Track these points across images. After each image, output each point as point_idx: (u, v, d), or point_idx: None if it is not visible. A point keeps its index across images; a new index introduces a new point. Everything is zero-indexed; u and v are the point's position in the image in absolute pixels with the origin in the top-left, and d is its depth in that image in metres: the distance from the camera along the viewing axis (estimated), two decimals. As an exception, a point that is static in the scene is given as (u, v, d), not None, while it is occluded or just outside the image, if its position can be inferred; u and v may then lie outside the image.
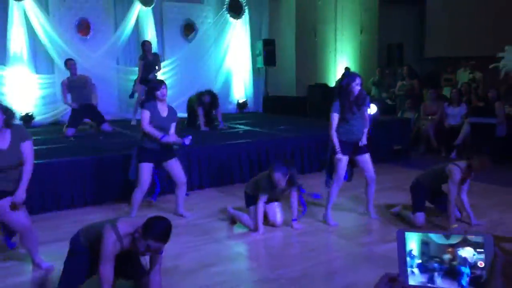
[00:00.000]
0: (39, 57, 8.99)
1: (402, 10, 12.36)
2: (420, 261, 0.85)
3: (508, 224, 4.70)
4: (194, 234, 4.47)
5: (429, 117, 8.55)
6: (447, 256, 0.84)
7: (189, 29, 10.19)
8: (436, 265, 0.85)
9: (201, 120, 7.71)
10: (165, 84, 4.76)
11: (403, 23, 12.37)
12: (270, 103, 10.88)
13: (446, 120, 8.22)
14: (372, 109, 7.81)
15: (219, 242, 4.30)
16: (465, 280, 0.83)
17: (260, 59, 10.61)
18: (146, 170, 4.64)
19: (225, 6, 10.24)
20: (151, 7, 9.51)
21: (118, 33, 9.44)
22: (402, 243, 0.87)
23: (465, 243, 0.84)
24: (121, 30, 9.42)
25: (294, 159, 6.88)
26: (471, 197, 5.62)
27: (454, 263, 0.83)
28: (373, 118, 7.79)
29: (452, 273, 0.83)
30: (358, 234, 4.49)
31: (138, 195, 4.74)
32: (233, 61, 10.39)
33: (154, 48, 9.70)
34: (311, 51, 10.88)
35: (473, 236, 0.84)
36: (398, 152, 7.68)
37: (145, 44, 8.42)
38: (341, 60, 11.30)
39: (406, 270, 0.86)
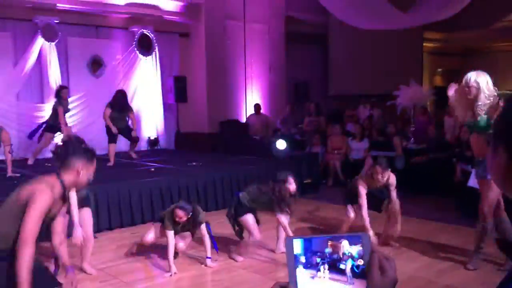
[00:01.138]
0: None
1: (308, 49, 13.02)
2: (304, 258, 0.94)
3: (410, 251, 4.99)
4: (101, 279, 4.24)
5: (335, 152, 8.96)
6: (328, 250, 0.94)
7: (96, 64, 9.93)
8: (318, 259, 0.94)
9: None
10: None
11: (309, 62, 13.01)
12: (182, 139, 10.81)
13: (351, 154, 8.66)
14: (281, 144, 8.07)
15: (129, 286, 4.11)
16: (346, 270, 0.94)
17: (171, 96, 10.57)
18: None
19: (134, 43, 10.14)
20: (55, 42, 9.16)
21: (18, 68, 8.94)
22: (290, 249, 0.94)
23: (344, 238, 0.95)
24: (21, 65, 8.94)
25: (206, 195, 6.84)
26: (374, 226, 5.92)
27: (335, 256, 0.93)
28: (282, 153, 8.06)
29: (334, 265, 0.93)
30: (271, 269, 4.52)
31: None
32: (143, 98, 10.25)
33: (58, 84, 9.30)
34: (222, 88, 11.06)
35: (352, 234, 0.96)
36: (308, 185, 7.93)
37: (62, 91, 8.01)
38: (251, 97, 11.59)
39: (296, 276, 0.93)
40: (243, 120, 11.28)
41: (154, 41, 10.36)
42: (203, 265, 4.55)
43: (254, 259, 4.79)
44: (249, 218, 4.71)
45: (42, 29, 8.96)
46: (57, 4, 9.05)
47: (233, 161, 8.41)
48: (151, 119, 10.50)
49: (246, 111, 11.47)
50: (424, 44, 14.42)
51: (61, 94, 7.99)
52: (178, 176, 6.84)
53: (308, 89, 12.34)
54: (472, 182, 5.72)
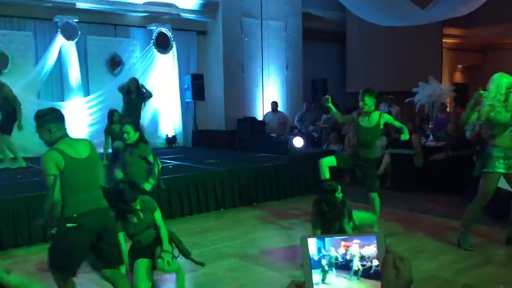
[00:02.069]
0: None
1: (325, 47, 12.96)
2: (316, 258, 0.94)
3: (429, 250, 4.94)
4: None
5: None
6: (341, 250, 0.93)
7: (115, 63, 10.03)
8: (331, 259, 0.93)
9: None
10: None
11: (326, 60, 12.95)
12: (199, 137, 10.86)
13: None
14: (298, 142, 8.04)
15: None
16: (357, 271, 0.93)
17: (188, 94, 10.63)
18: None
19: (152, 41, 10.21)
20: (75, 41, 9.28)
21: (39, 67, 9.08)
22: (305, 248, 0.94)
23: (357, 239, 0.95)
24: (42, 64, 9.08)
25: (223, 193, 6.88)
26: (392, 225, 5.88)
27: (348, 256, 0.93)
28: (299, 151, 8.04)
29: (346, 265, 0.93)
30: (288, 267, 4.52)
31: None
32: (161, 96, 10.32)
33: (78, 82, 9.43)
34: (239, 85, 11.07)
35: (366, 234, 0.95)
36: (325, 183, 7.88)
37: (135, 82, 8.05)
38: (268, 94, 11.58)
39: (311, 276, 0.93)
40: (260, 117, 11.28)
41: (172, 39, 10.41)
42: (218, 262, 4.57)
43: (272, 256, 4.79)
44: None
45: (62, 28, 9.08)
46: (77, 4, 9.17)
47: (250, 159, 8.42)
48: (169, 117, 10.57)
49: (263, 109, 11.47)
50: (443, 40, 14.23)
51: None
52: (196, 173, 6.88)
53: (325, 86, 12.27)
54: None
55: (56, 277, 3.16)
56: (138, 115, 7.91)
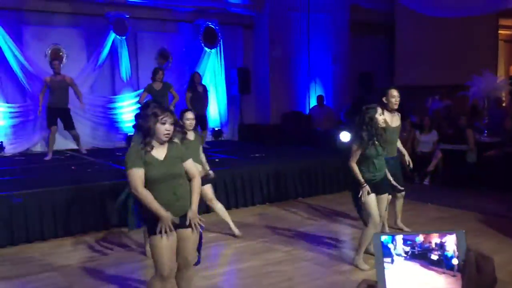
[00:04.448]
0: (10, 85, 8.83)
1: (373, 39, 12.67)
2: (393, 247, 0.90)
3: (483, 249, 4.74)
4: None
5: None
6: (419, 238, 0.89)
7: (163, 57, 10.21)
8: (408, 248, 0.89)
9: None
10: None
11: (374, 52, 12.66)
12: (245, 131, 10.90)
13: (418, 147, 8.36)
14: (345, 137, 7.92)
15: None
16: (436, 261, 0.89)
17: (234, 88, 10.68)
18: None
19: (199, 36, 10.32)
20: (125, 36, 9.50)
21: (91, 62, 9.37)
22: (378, 247, 0.90)
23: (437, 234, 0.90)
24: (94, 59, 9.37)
25: (269, 187, 6.87)
26: (443, 223, 5.70)
27: (426, 245, 0.88)
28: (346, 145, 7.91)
29: (424, 254, 0.88)
30: (335, 262, 4.46)
31: None
32: (208, 90, 10.43)
33: (129, 76, 9.67)
34: (285, 79, 11.02)
35: (445, 231, 0.90)
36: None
37: (196, 76, 8.88)
38: (314, 88, 11.45)
39: (384, 275, 0.89)
40: (306, 112, 11.19)
41: (219, 33, 10.49)
42: (263, 255, 4.57)
43: (318, 250, 4.75)
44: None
45: (113, 24, 9.33)
46: (127, -1, 9.40)
47: (296, 153, 8.38)
48: (215, 110, 10.67)
49: (309, 103, 11.37)
50: (499, 31, 13.60)
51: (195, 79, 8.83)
52: (242, 167, 6.91)
53: (372, 80, 12.01)
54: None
55: None
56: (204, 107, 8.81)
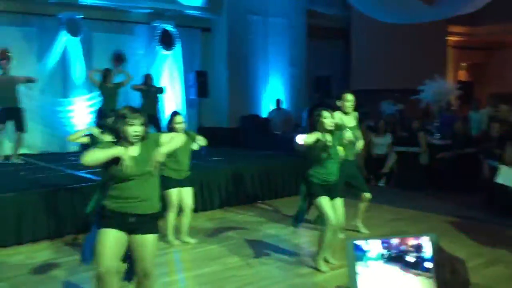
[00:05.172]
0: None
1: (330, 44, 12.90)
2: (368, 251, 0.89)
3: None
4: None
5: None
6: (395, 241, 0.89)
7: (119, 60, 9.98)
8: (385, 251, 0.89)
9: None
10: None
11: (330, 57, 12.88)
12: (204, 134, 10.74)
13: (374, 149, 8.55)
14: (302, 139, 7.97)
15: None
16: (411, 263, 0.89)
17: (192, 91, 10.58)
18: None
19: (156, 38, 10.17)
20: (79, 37, 9.24)
21: (42, 63, 9.05)
22: (351, 253, 0.89)
23: (411, 238, 0.90)
24: (46, 60, 9.05)
25: (227, 191, 6.84)
26: (399, 224, 5.84)
27: (402, 247, 0.88)
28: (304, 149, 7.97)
29: (400, 257, 0.88)
30: (295, 265, 4.47)
31: None
32: (165, 93, 10.28)
33: (82, 79, 9.40)
34: (243, 83, 11.03)
35: (418, 235, 0.90)
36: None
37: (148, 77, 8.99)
38: (272, 92, 11.53)
39: (356, 281, 0.89)
40: (264, 115, 11.24)
41: (176, 36, 10.37)
42: (223, 259, 4.53)
43: (277, 254, 4.75)
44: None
45: (66, 24, 9.05)
46: (79, 0, 9.14)
47: (254, 156, 8.39)
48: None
49: (267, 106, 11.43)
50: (448, 38, 14.14)
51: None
52: (200, 171, 6.83)
53: (330, 84, 12.21)
54: (502, 178, 5.60)
55: None
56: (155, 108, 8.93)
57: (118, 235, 2.94)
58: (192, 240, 5.12)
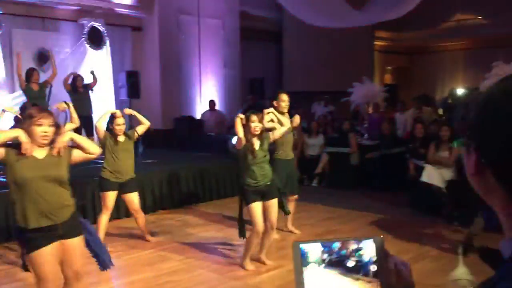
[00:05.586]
0: None
1: (263, 46, 13.01)
2: (310, 256, 0.87)
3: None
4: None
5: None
6: (336, 245, 0.87)
7: (43, 58, 9.47)
8: (326, 255, 0.86)
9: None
10: None
11: (264, 59, 12.99)
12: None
13: (306, 150, 8.71)
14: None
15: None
16: (353, 268, 0.87)
17: (123, 91, 10.24)
18: None
19: (84, 36, 9.75)
20: (-1, 33, 8.67)
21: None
22: (297, 255, 0.87)
23: (355, 241, 0.88)
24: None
25: (161, 193, 6.69)
26: (332, 222, 5.98)
27: (343, 252, 0.86)
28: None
29: (341, 262, 0.86)
30: (231, 268, 4.44)
31: None
32: (94, 94, 9.89)
33: (3, 78, 8.82)
34: (176, 83, 10.84)
35: (363, 238, 0.89)
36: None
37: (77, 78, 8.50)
38: (206, 93, 11.43)
39: (303, 285, 0.86)
40: (198, 116, 11.12)
41: (105, 34, 10.01)
42: (157, 265, 4.41)
43: (213, 257, 4.70)
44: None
45: (-17, 19, 8.45)
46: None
47: (189, 158, 8.26)
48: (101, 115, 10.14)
49: (201, 108, 11.32)
50: (375, 42, 14.74)
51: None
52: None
53: (263, 85, 12.31)
54: (426, 177, 5.88)
55: None
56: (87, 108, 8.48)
57: (51, 251, 2.79)
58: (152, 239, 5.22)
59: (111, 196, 4.81)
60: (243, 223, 4.38)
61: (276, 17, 12.78)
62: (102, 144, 4.71)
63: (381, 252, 0.89)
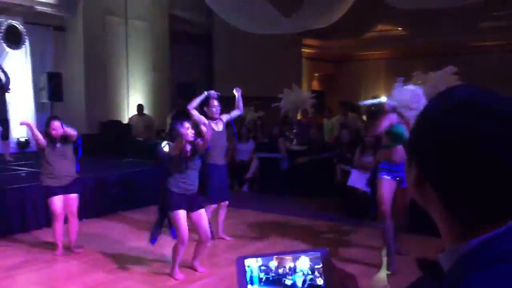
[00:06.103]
0: None
1: (193, 50, 12.86)
2: (249, 274, 0.83)
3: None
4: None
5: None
6: (273, 263, 0.84)
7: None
8: (263, 274, 0.84)
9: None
10: None
11: (194, 63, 12.85)
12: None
13: (237, 155, 8.71)
14: (167, 146, 7.81)
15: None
16: (289, 286, 0.84)
17: (44, 94, 9.70)
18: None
19: (0, 34, 9.14)
20: None
21: None
22: (241, 269, 0.83)
23: (301, 254, 0.86)
24: None
25: (84, 201, 6.38)
26: (263, 228, 6.00)
27: (281, 270, 0.84)
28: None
29: (279, 280, 0.84)
30: (160, 278, 4.32)
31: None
32: (11, 95, 9.28)
33: None
34: (102, 86, 10.44)
35: (310, 250, 0.87)
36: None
37: None
38: (133, 96, 11.11)
39: None
40: (125, 120, 10.78)
41: (25, 33, 9.44)
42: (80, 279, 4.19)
43: (142, 267, 4.54)
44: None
45: None
46: None
47: (115, 164, 7.98)
48: (21, 118, 9.53)
49: (128, 112, 10.98)
50: (302, 49, 15.09)
51: None
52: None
53: (193, 89, 12.17)
54: (352, 181, 6.07)
55: None
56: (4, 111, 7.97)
57: None
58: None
59: (55, 202, 4.78)
60: (157, 229, 4.31)
61: (206, 21, 12.71)
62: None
63: (327, 265, 0.88)
